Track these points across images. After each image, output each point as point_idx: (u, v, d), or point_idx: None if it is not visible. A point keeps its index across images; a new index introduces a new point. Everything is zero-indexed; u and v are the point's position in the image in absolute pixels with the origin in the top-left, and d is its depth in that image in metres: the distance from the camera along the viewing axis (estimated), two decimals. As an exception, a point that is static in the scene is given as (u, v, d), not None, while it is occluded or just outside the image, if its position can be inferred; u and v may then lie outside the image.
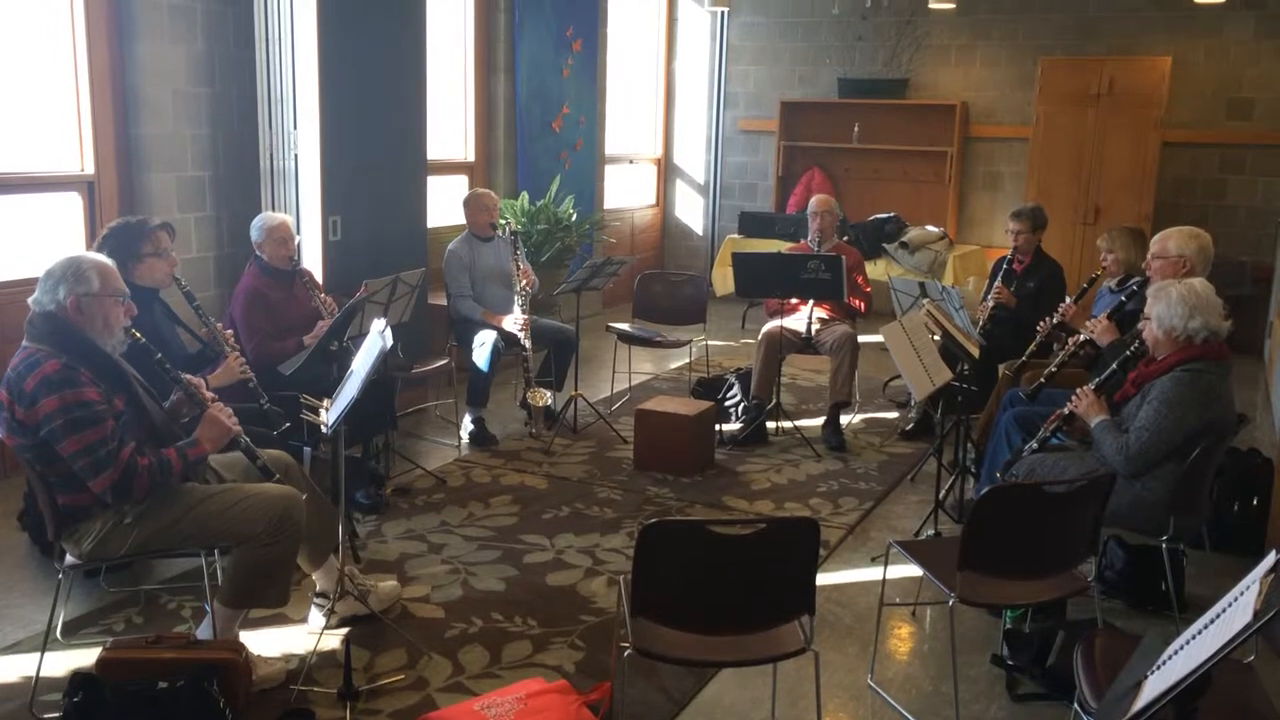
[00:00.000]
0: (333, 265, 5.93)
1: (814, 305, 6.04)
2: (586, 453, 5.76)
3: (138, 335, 3.36)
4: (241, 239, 5.40)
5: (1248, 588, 1.90)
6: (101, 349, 3.18)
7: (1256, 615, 1.79)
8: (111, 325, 3.21)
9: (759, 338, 6.11)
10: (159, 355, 3.40)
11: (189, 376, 3.46)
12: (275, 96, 5.74)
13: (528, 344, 5.78)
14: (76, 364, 3.07)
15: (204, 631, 3.40)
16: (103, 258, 3.33)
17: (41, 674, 3.30)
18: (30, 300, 3.19)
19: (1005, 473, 4.00)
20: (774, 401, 5.98)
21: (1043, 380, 4.50)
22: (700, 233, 10.98)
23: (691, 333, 6.97)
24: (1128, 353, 3.87)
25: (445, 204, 7.36)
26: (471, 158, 8.32)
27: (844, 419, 6.15)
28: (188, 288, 4.40)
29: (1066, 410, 3.88)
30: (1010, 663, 3.53)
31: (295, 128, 5.77)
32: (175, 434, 3.31)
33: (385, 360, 3.74)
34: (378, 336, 3.52)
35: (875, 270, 8.41)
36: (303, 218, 5.84)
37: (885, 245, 8.94)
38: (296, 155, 5.80)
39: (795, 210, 9.80)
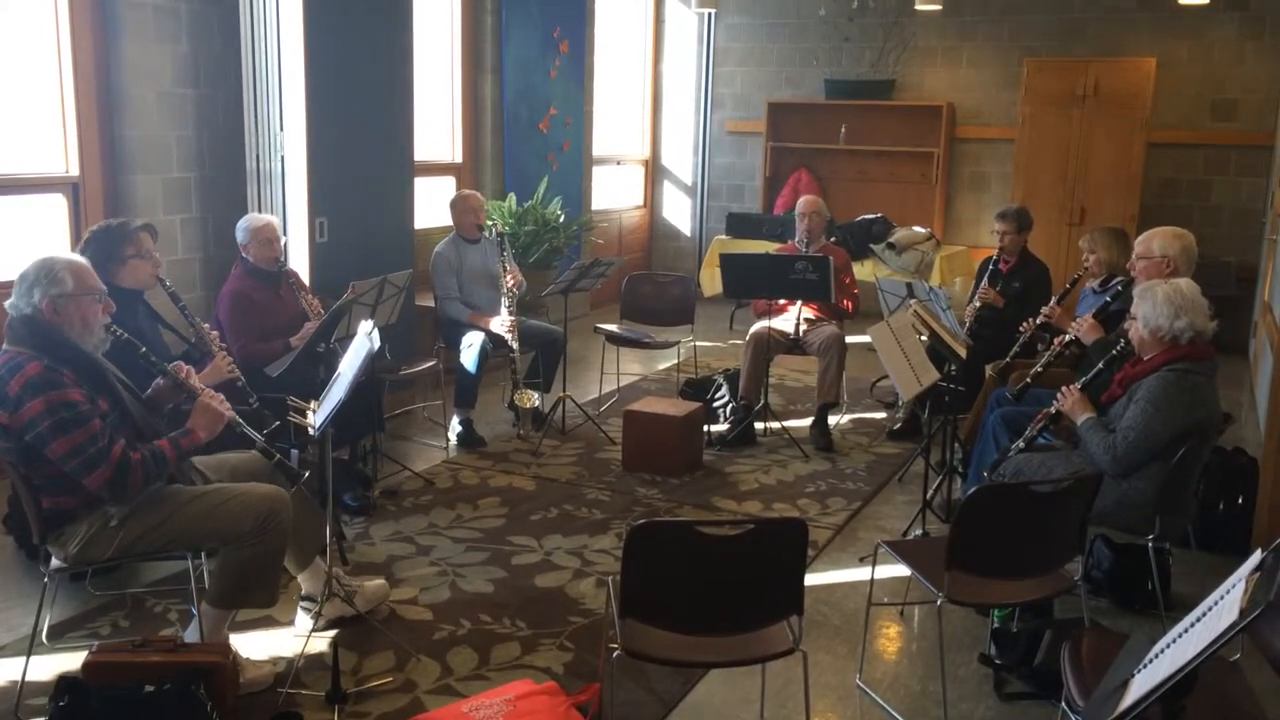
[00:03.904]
0: (319, 267, 5.91)
1: (802, 306, 6.05)
2: (575, 454, 5.76)
3: (119, 332, 3.34)
4: (228, 241, 5.38)
5: (1233, 586, 1.91)
6: (82, 349, 3.16)
7: (1242, 613, 1.80)
8: (90, 324, 3.20)
9: (747, 338, 6.12)
10: (143, 349, 3.38)
11: (177, 364, 3.44)
12: (261, 97, 5.72)
13: (515, 345, 5.77)
14: (58, 365, 3.06)
15: (191, 634, 3.39)
16: (76, 257, 3.31)
17: (27, 678, 3.29)
18: (6, 304, 3.18)
19: (992, 472, 4.01)
20: (762, 402, 5.99)
21: (1029, 380, 4.52)
22: (688, 234, 10.99)
23: (679, 334, 6.97)
24: (1114, 353, 3.89)
25: (432, 205, 7.35)
26: (458, 159, 8.31)
27: (832, 419, 6.15)
28: (172, 288, 4.39)
29: (1053, 409, 3.89)
30: (998, 662, 3.54)
31: (281, 129, 5.75)
32: (157, 430, 3.29)
33: (372, 362, 3.72)
34: (365, 338, 3.51)
35: (862, 271, 8.42)
36: (289, 219, 5.82)
37: (872, 246, 8.96)
38: (283, 156, 5.79)
39: (783, 211, 9.80)
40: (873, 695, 3.47)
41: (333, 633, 3.66)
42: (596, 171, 9.76)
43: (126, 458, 3.05)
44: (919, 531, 4.61)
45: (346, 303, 4.73)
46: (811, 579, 4.15)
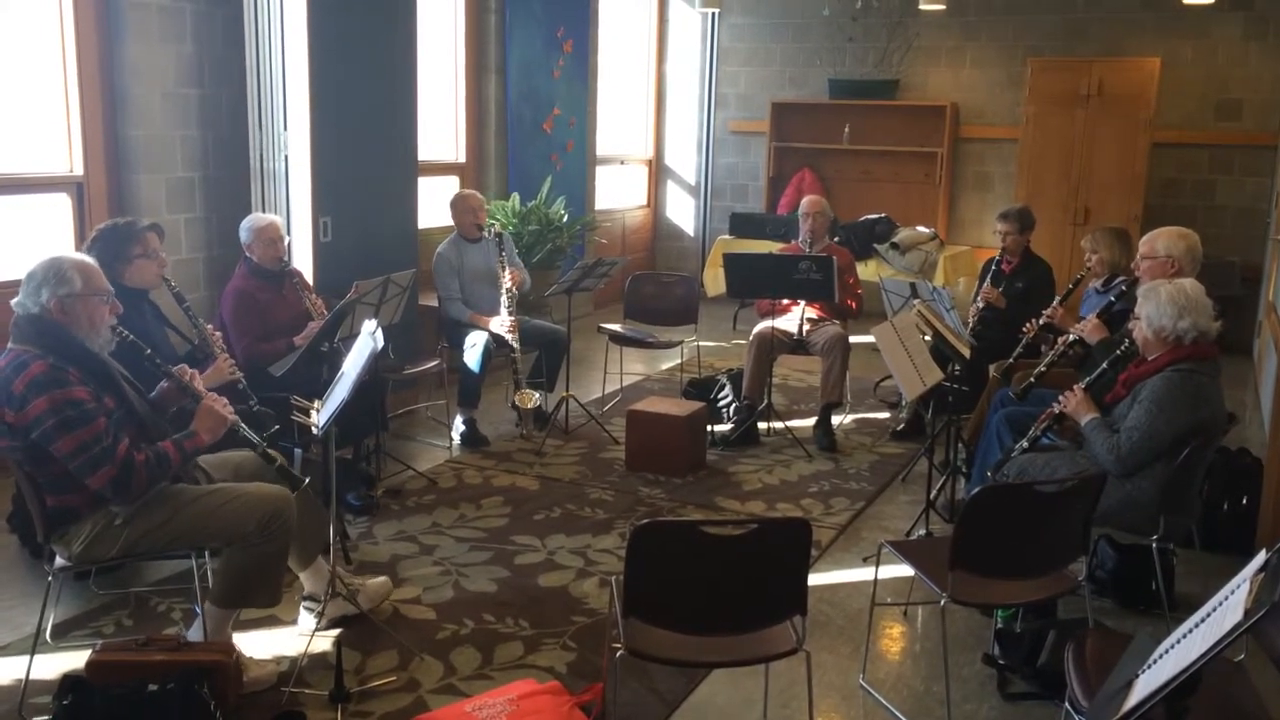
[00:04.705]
0: (323, 266, 5.91)
1: (805, 306, 6.05)
2: (578, 454, 5.76)
3: (125, 333, 3.35)
4: (231, 240, 5.39)
5: (1238, 587, 1.91)
6: (88, 348, 3.17)
7: (1247, 614, 1.79)
8: (97, 324, 3.21)
9: (750, 338, 6.11)
10: (148, 350, 3.39)
11: (180, 367, 3.45)
12: (265, 97, 5.73)
13: (516, 345, 5.77)
14: (64, 364, 3.06)
15: (194, 633, 3.39)
16: (85, 257, 3.32)
17: (31, 676, 3.29)
18: (13, 303, 3.19)
19: (996, 473, 4.01)
20: (765, 402, 5.98)
21: (1032, 380, 4.51)
22: (691, 234, 10.99)
23: (683, 334, 6.96)
24: (1118, 353, 3.89)
25: (436, 205, 7.35)
26: (462, 159, 8.31)
27: (835, 419, 6.15)
28: (177, 289, 4.39)
29: (1056, 409, 3.89)
30: (1001, 662, 3.54)
31: (285, 129, 5.76)
32: (163, 430, 3.30)
33: (376, 362, 3.72)
34: (368, 338, 3.51)
35: (866, 271, 8.41)
36: (293, 219, 5.83)
37: (876, 246, 8.95)
38: (287, 156, 5.79)
39: (786, 211, 9.80)
40: (876, 695, 3.46)
41: (336, 632, 3.66)
42: (600, 171, 9.76)
43: (131, 457, 3.06)
44: (922, 531, 4.60)
45: (350, 302, 4.73)
46: (815, 579, 4.15)
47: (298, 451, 4.45)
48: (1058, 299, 5.21)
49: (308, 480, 3.45)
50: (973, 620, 3.94)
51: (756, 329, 6.11)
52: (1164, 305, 3.61)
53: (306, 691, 3.35)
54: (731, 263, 6.06)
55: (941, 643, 3.51)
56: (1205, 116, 8.94)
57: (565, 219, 8.12)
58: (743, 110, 10.65)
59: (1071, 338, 4.65)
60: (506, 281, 5.84)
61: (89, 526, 3.17)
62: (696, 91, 10.78)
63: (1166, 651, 2.01)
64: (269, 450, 3.40)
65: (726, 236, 9.80)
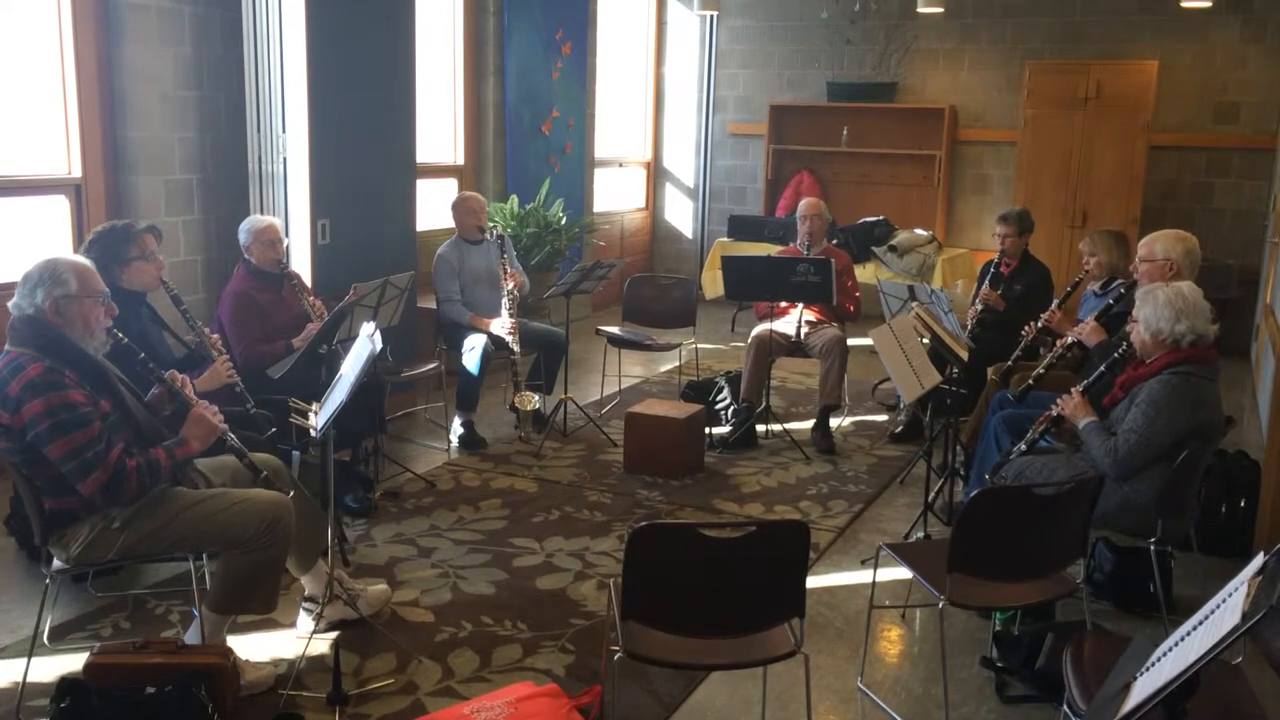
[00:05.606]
0: (321, 268, 5.91)
1: (803, 308, 6.05)
2: (576, 456, 5.76)
3: (120, 336, 3.35)
4: (230, 242, 5.39)
5: (1236, 589, 1.91)
6: (84, 350, 3.17)
7: (1245, 617, 1.79)
8: (92, 326, 3.20)
9: (748, 341, 6.12)
10: (142, 355, 3.39)
11: (173, 372, 3.45)
12: (264, 100, 5.73)
13: (515, 348, 5.77)
14: (60, 366, 3.06)
15: (192, 636, 3.39)
16: (81, 259, 3.32)
17: (28, 679, 3.29)
18: (10, 304, 3.18)
19: (994, 475, 4.01)
20: (763, 404, 5.98)
21: (1030, 382, 4.52)
22: (690, 236, 10.99)
23: (681, 336, 6.97)
24: (1116, 355, 3.89)
25: (434, 207, 7.35)
26: (461, 161, 8.32)
27: (833, 422, 6.15)
28: (175, 291, 4.39)
29: (1054, 412, 3.89)
30: (1000, 665, 3.54)
31: (284, 131, 5.76)
32: (161, 433, 3.30)
33: (374, 364, 3.72)
34: (366, 340, 3.51)
35: (864, 274, 8.42)
36: (291, 221, 5.83)
37: (874, 249, 8.96)
38: (285, 158, 5.79)
39: (784, 214, 9.81)
40: (874, 698, 3.46)
41: (334, 634, 3.65)
42: (598, 174, 9.76)
43: (123, 463, 3.05)
44: (920, 534, 4.60)
45: (348, 304, 4.72)
46: (813, 581, 4.14)
47: (296, 454, 4.45)
48: (1055, 303, 5.21)
49: (291, 494, 3.45)
50: (971, 623, 3.95)
51: (755, 331, 6.11)
52: (1162, 308, 3.61)
53: (304, 694, 3.35)
54: (730, 265, 6.06)
55: (940, 645, 3.51)
56: (1203, 119, 8.95)
57: (564, 221, 8.13)
58: (741, 113, 10.66)
59: (1070, 340, 4.65)
60: (509, 284, 5.85)
61: (87, 529, 3.16)
62: (695, 94, 10.78)
63: (1165, 654, 2.01)
64: (254, 463, 3.41)
65: (725, 239, 9.81)
